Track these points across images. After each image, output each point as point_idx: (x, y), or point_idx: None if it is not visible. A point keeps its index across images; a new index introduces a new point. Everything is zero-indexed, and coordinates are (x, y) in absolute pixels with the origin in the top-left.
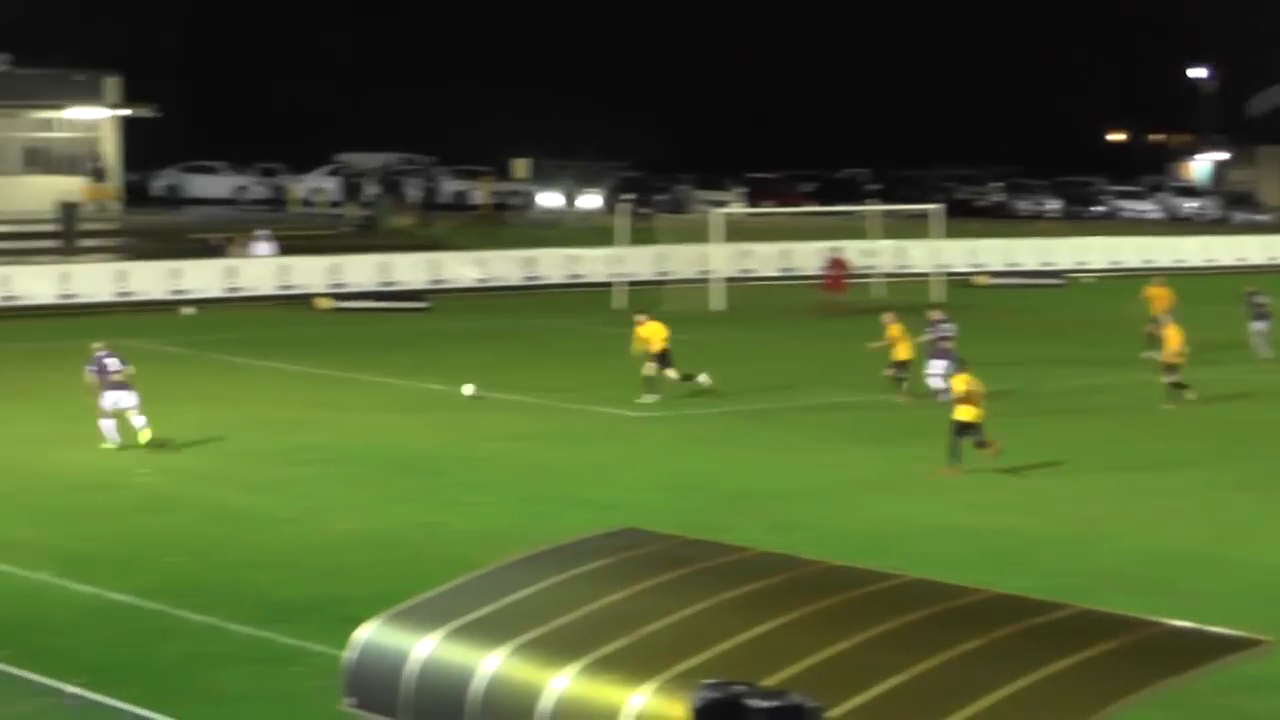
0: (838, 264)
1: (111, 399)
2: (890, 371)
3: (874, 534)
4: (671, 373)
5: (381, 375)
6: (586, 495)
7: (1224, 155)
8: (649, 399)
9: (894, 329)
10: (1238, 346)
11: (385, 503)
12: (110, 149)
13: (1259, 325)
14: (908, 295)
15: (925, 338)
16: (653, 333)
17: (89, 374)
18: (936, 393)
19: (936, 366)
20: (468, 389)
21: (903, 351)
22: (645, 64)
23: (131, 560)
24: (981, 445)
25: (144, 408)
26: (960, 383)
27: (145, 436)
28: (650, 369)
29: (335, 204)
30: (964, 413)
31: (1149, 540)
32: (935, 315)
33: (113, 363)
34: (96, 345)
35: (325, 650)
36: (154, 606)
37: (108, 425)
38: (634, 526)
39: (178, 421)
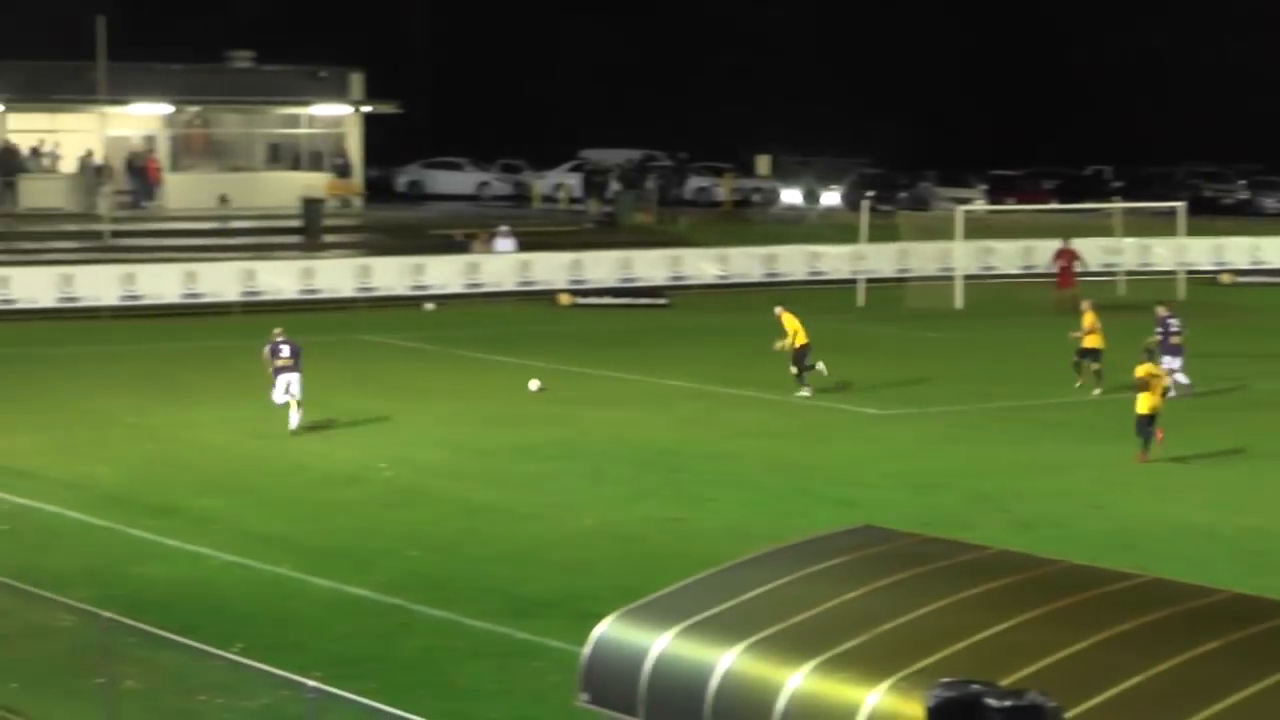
0: (1066, 254)
1: (283, 383)
2: (1076, 358)
3: (1116, 533)
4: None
5: (622, 371)
6: (827, 492)
7: None
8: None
9: (1089, 318)
10: None
11: (627, 499)
12: (354, 145)
13: None
14: (1150, 293)
15: (1155, 335)
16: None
17: (265, 354)
18: (1179, 387)
19: (1171, 362)
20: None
21: (1092, 340)
22: (889, 60)
23: (373, 555)
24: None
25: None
26: (1141, 371)
27: (295, 422)
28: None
29: (577, 200)
30: (1148, 403)
31: None
32: (1162, 311)
33: (285, 349)
34: (277, 331)
35: (566, 646)
36: (394, 601)
37: (278, 399)
38: (873, 524)
39: (420, 416)
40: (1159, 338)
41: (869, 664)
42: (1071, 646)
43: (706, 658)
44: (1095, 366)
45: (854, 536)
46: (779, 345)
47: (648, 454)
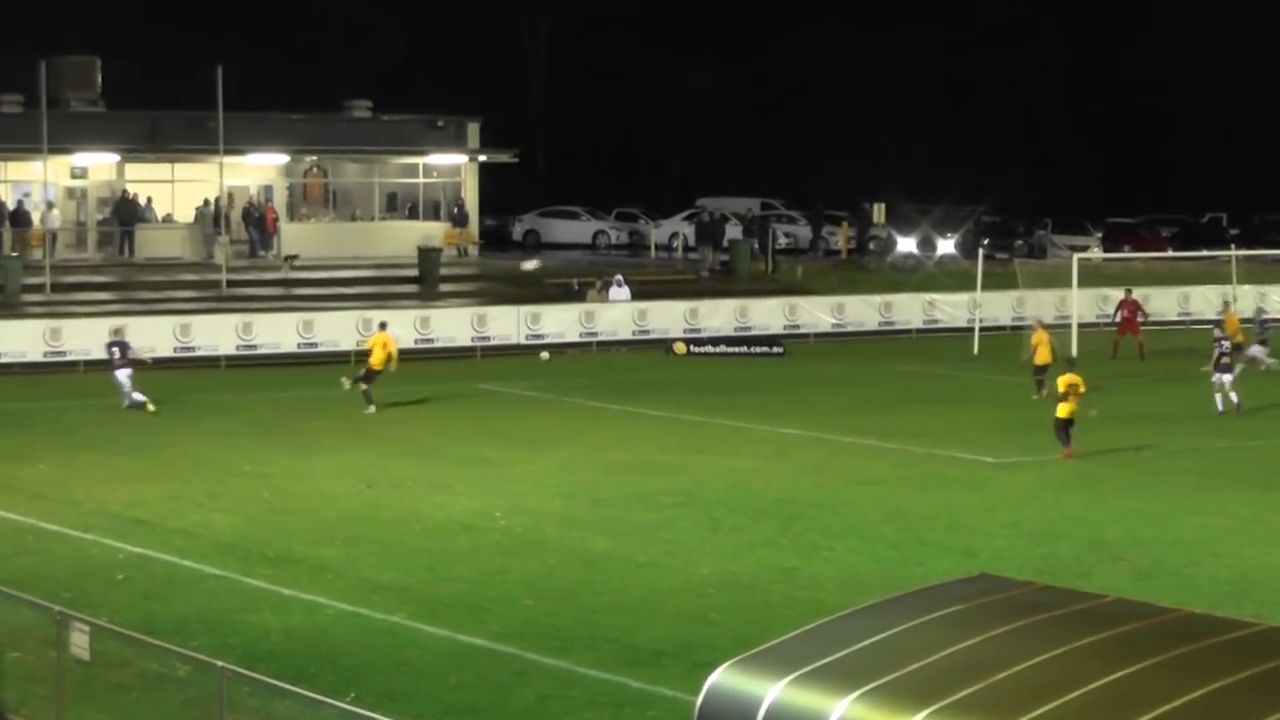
0: (1129, 305)
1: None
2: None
3: (1234, 580)
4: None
5: (737, 419)
6: (945, 541)
7: None
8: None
9: (1037, 336)
10: None
11: (743, 547)
12: (470, 194)
13: None
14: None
15: (1214, 357)
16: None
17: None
18: (1229, 402)
19: (1222, 378)
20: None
21: (1041, 356)
22: (1007, 107)
23: (488, 603)
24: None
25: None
26: (1062, 382)
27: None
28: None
29: (691, 249)
30: (1067, 409)
31: None
32: (1216, 333)
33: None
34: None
35: (680, 695)
36: (509, 650)
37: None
38: (989, 572)
39: (536, 465)
40: (1216, 354)
41: (983, 712)
42: (1187, 695)
43: (819, 706)
44: (1039, 378)
45: (969, 585)
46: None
47: (764, 502)
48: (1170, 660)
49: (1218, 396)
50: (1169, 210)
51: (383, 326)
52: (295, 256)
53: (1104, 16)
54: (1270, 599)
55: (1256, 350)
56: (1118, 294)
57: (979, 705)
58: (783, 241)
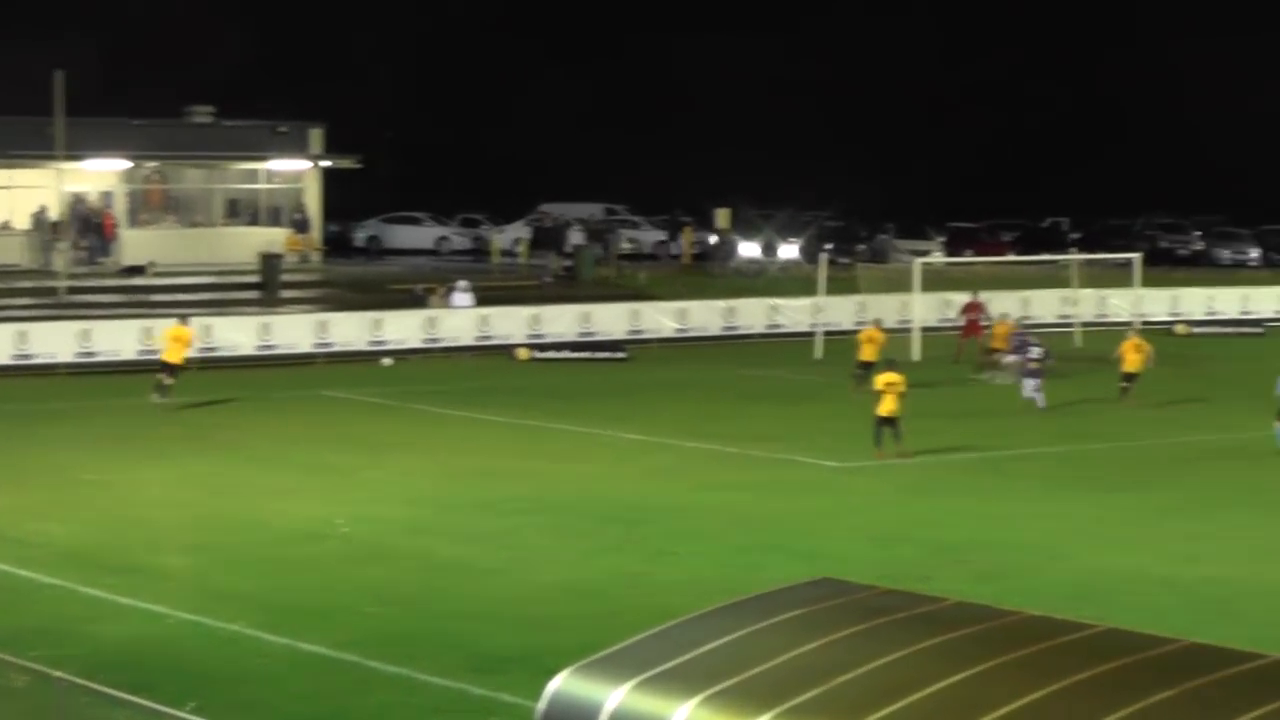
0: (974, 307)
1: None
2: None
3: (1075, 583)
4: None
5: (582, 425)
6: (790, 545)
7: None
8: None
9: (867, 334)
10: None
11: (588, 553)
12: (313, 200)
13: None
14: (1106, 344)
15: (1014, 357)
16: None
17: None
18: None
19: (1028, 385)
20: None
21: (867, 353)
22: (849, 114)
23: (331, 611)
24: (897, 438)
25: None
26: (879, 381)
27: None
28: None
29: (536, 254)
30: (885, 407)
31: None
32: (1029, 339)
33: None
34: None
35: (524, 702)
36: (352, 658)
37: None
38: (832, 576)
39: (380, 472)
40: (1020, 359)
41: (826, 715)
42: (1028, 696)
43: (662, 710)
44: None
45: (813, 589)
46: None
47: (609, 508)
48: (1012, 662)
49: (1039, 396)
50: (1010, 215)
51: (183, 320)
52: (151, 264)
53: (949, 23)
54: (1110, 600)
55: (1011, 360)
56: (961, 298)
57: (822, 708)
58: (626, 247)
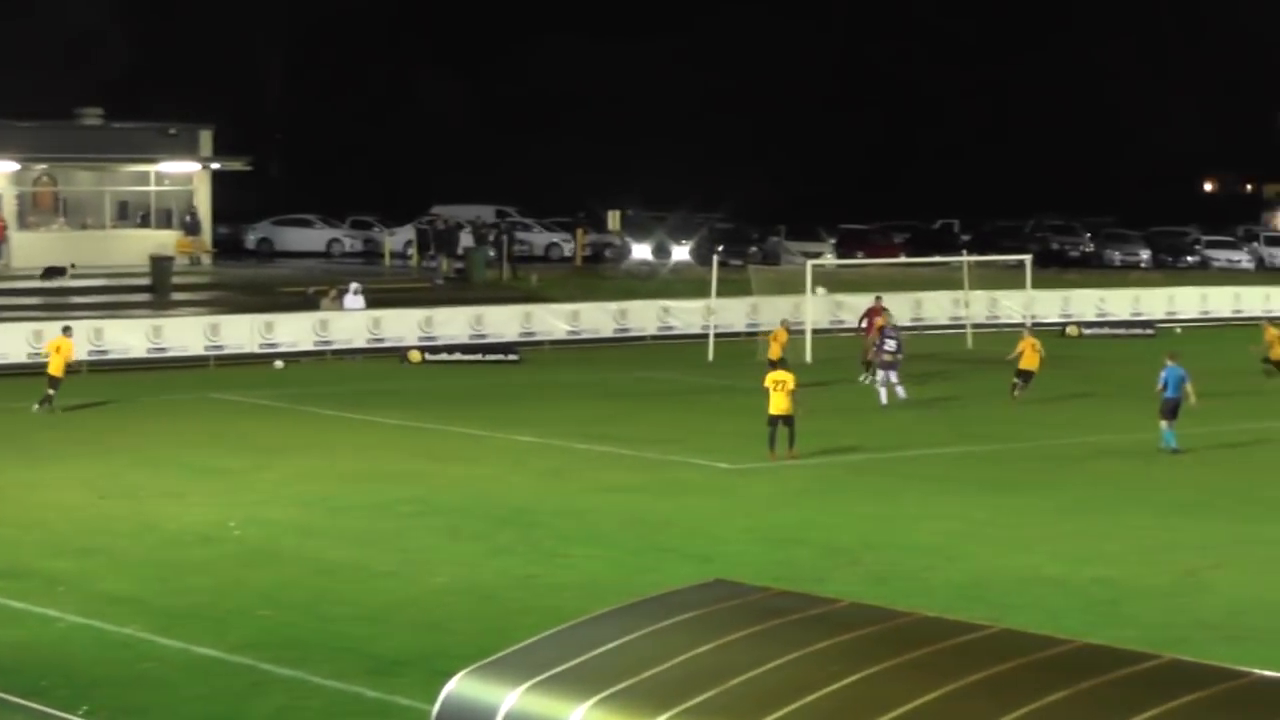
0: (877, 311)
1: None
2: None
3: (968, 584)
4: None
5: (475, 428)
6: (682, 547)
7: None
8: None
9: (779, 334)
10: None
11: (482, 555)
12: (203, 202)
13: None
14: (997, 345)
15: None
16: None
17: None
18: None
19: (891, 375)
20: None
21: (773, 352)
22: (739, 115)
23: (224, 614)
24: (790, 439)
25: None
26: (768, 379)
27: None
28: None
29: (429, 256)
30: (774, 405)
31: (1247, 590)
32: (889, 329)
33: None
34: None
35: (418, 705)
36: (246, 661)
37: None
38: (725, 578)
39: (272, 474)
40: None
41: (721, 717)
42: (923, 697)
43: (556, 713)
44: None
45: (705, 591)
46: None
47: (502, 510)
48: (906, 663)
49: (882, 391)
50: (901, 216)
51: (65, 331)
52: (73, 265)
53: (836, 29)
54: (1004, 601)
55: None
56: (853, 299)
57: (716, 710)
58: (515, 249)
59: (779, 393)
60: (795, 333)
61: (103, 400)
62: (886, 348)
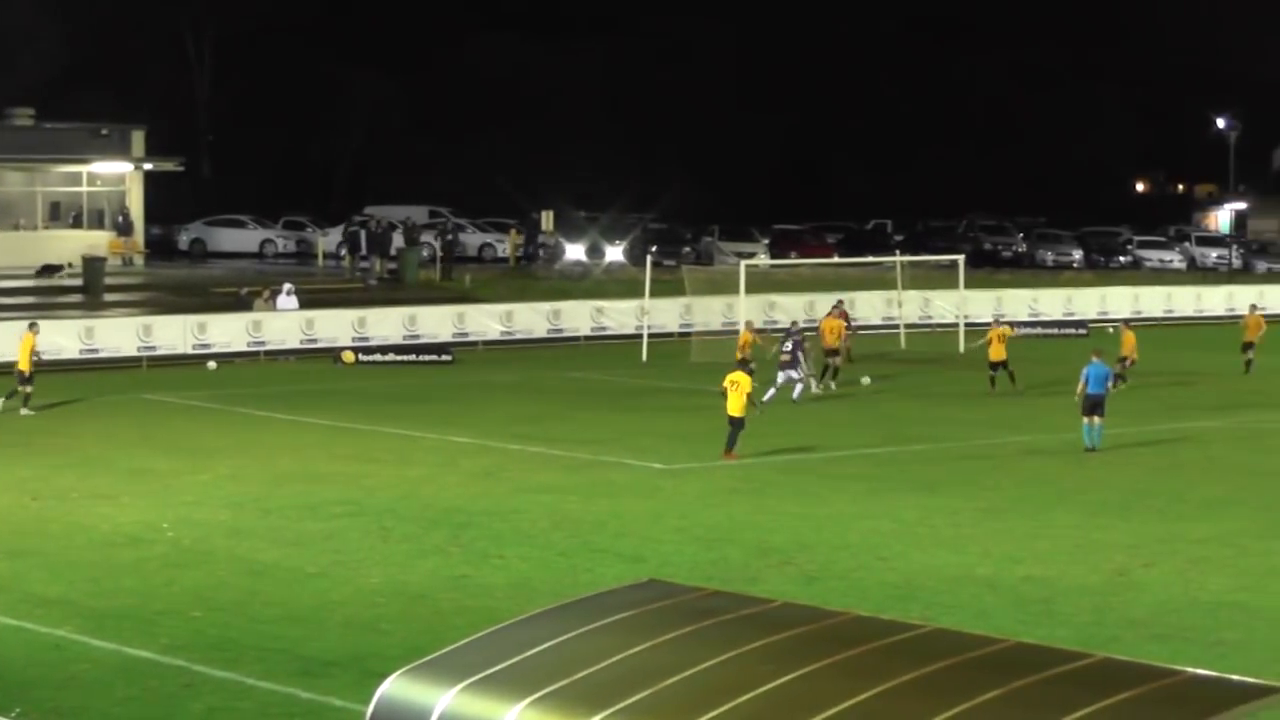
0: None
1: None
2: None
3: (900, 584)
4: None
5: (407, 428)
6: (614, 548)
7: (1247, 205)
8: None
9: (746, 335)
10: (1260, 393)
11: (414, 556)
12: (136, 203)
13: None
14: (929, 345)
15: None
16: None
17: None
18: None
19: (780, 377)
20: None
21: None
22: (673, 116)
23: (156, 616)
24: (730, 441)
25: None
26: (724, 380)
27: None
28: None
29: (362, 257)
30: (734, 406)
31: (1175, 589)
32: (794, 329)
33: None
34: None
35: (351, 706)
36: (178, 663)
37: None
38: (658, 578)
39: (204, 476)
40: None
41: (654, 717)
42: (856, 697)
43: (490, 714)
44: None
45: (639, 591)
46: None
47: (434, 511)
48: (839, 663)
49: (771, 390)
50: (834, 217)
51: (31, 327)
52: (69, 265)
53: (768, 28)
54: (936, 601)
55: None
56: (786, 300)
57: (650, 711)
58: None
59: (734, 393)
60: (729, 333)
61: (35, 402)
62: (786, 348)
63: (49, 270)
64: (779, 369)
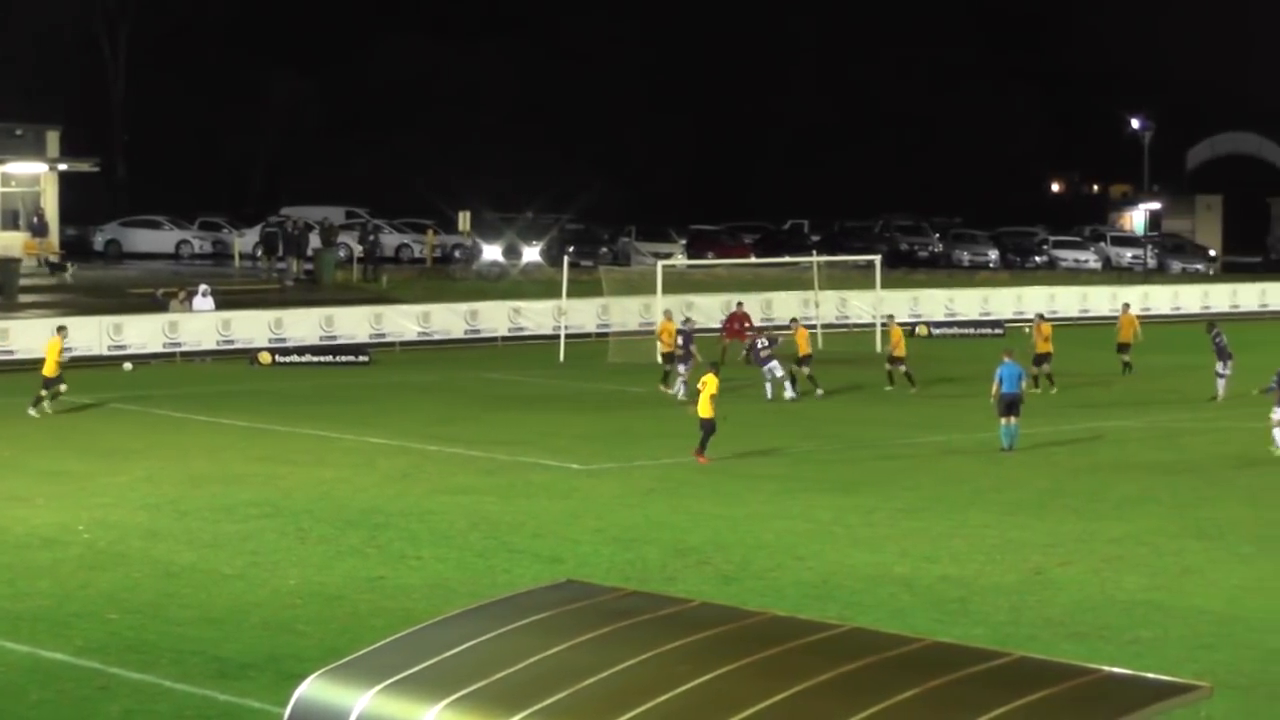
0: (738, 317)
1: None
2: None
3: (817, 583)
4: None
5: (324, 429)
6: (532, 548)
7: (1161, 205)
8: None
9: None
10: (1175, 391)
11: (330, 557)
12: (50, 203)
13: (1224, 366)
14: (847, 345)
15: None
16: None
17: None
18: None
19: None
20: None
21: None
22: (589, 116)
23: (71, 618)
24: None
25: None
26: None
27: None
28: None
29: (279, 258)
30: (704, 409)
31: (1090, 588)
32: (684, 323)
33: None
34: None
35: (268, 707)
36: (93, 665)
37: None
38: (576, 579)
39: (119, 477)
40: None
41: (572, 718)
42: (774, 696)
43: (409, 715)
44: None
45: (556, 592)
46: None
47: (350, 512)
48: (757, 662)
49: (769, 385)
50: (751, 217)
51: (59, 330)
52: (74, 265)
53: (686, 30)
54: (853, 600)
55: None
56: (703, 300)
57: (568, 711)
58: (358, 250)
59: (702, 394)
60: (644, 333)
61: None
62: (761, 344)
63: (55, 268)
64: (760, 363)
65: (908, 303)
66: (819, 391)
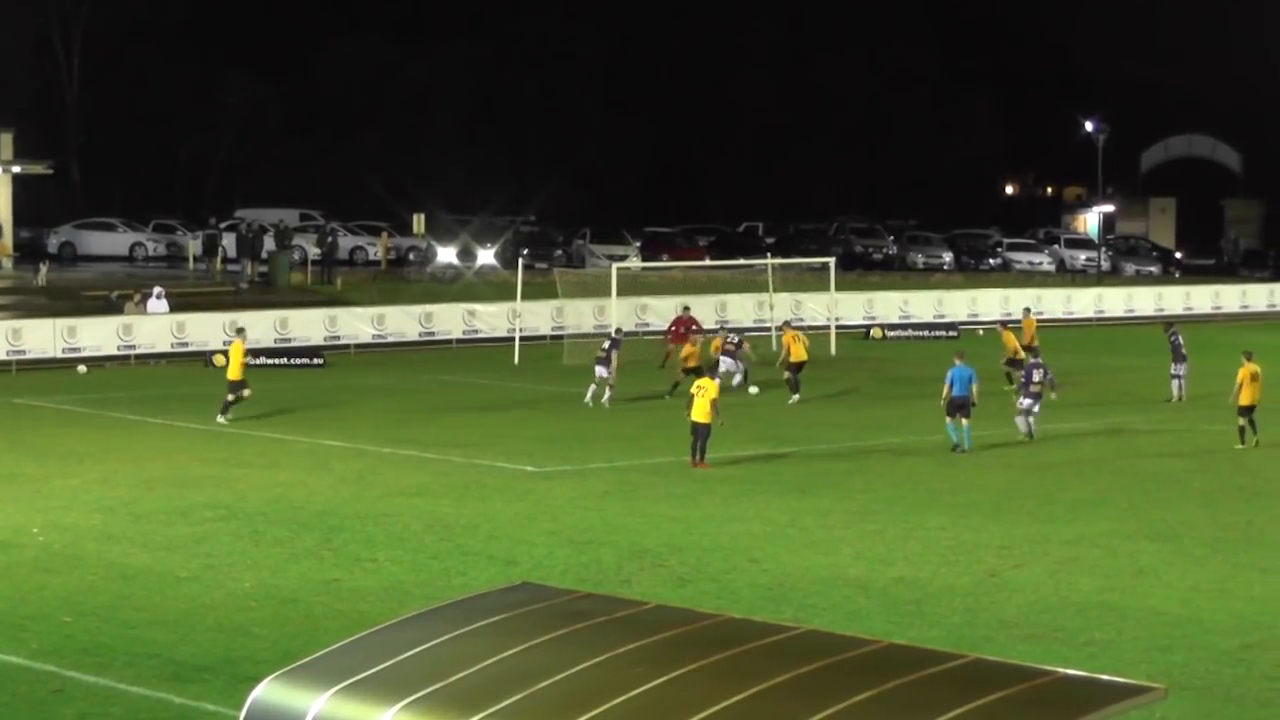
0: (683, 321)
1: None
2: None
3: (772, 586)
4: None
5: (278, 431)
6: (487, 550)
7: (1114, 207)
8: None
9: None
10: (1130, 394)
11: (285, 560)
12: (3, 206)
13: (1178, 367)
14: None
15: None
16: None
17: None
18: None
19: (725, 363)
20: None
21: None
22: (543, 119)
23: (25, 621)
24: (702, 450)
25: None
26: (693, 387)
27: None
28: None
29: (232, 260)
30: (699, 413)
31: (1045, 590)
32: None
33: None
34: None
35: (223, 710)
36: (47, 668)
37: None
38: (531, 581)
39: (74, 480)
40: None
41: None
42: (729, 699)
43: (363, 718)
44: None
45: (511, 594)
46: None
47: (305, 515)
48: (712, 665)
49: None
50: (705, 220)
51: (239, 333)
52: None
53: (642, 33)
54: (807, 602)
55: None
56: (658, 302)
57: (523, 714)
58: (315, 252)
59: (701, 399)
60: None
61: None
62: (732, 339)
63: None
64: (722, 358)
65: (862, 305)
66: (753, 390)
